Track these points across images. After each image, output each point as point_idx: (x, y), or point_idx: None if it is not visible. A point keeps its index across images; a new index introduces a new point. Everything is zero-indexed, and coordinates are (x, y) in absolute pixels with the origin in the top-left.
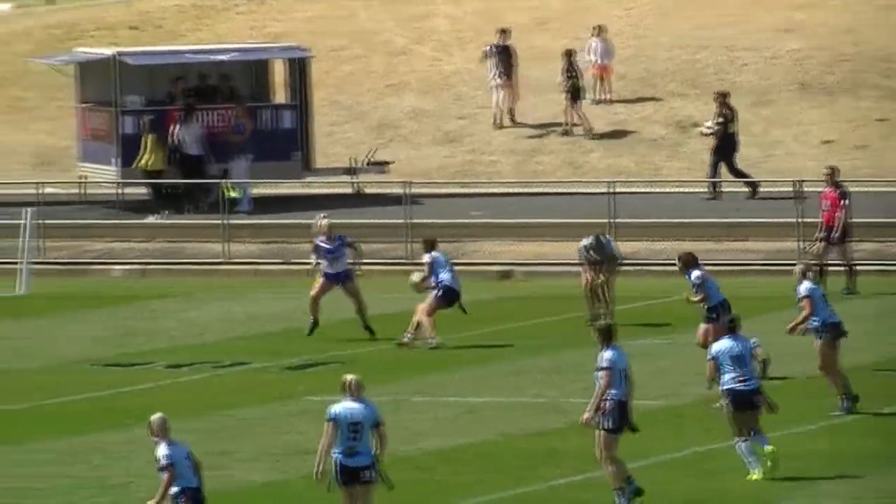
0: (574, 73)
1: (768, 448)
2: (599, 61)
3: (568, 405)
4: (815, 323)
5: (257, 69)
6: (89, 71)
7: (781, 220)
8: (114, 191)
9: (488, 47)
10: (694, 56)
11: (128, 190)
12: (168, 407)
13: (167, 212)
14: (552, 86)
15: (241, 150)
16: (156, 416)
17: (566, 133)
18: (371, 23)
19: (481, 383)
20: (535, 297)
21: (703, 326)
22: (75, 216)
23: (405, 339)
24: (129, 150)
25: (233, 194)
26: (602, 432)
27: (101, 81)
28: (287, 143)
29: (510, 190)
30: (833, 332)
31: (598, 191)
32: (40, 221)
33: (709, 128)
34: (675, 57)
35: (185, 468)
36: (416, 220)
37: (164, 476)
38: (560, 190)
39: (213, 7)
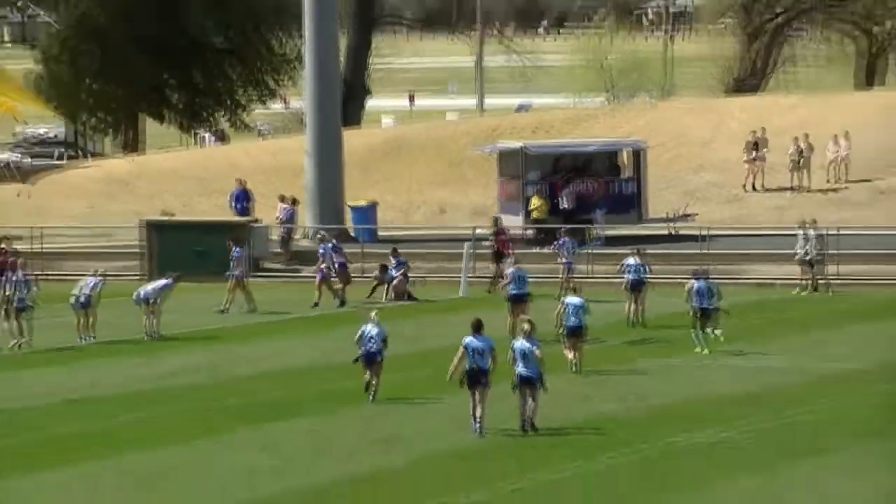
0: None
1: (718, 332)
2: None
3: None
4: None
5: (611, 155)
6: (506, 156)
7: None
8: (519, 232)
9: None
10: None
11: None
12: None
13: (538, 248)
14: None
15: (597, 205)
16: None
17: None
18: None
19: None
20: None
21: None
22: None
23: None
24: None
25: (593, 235)
26: None
27: (513, 163)
28: (629, 202)
29: None
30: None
31: None
32: (472, 251)
33: None
34: None
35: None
36: None
37: None
38: None
39: (590, 115)
